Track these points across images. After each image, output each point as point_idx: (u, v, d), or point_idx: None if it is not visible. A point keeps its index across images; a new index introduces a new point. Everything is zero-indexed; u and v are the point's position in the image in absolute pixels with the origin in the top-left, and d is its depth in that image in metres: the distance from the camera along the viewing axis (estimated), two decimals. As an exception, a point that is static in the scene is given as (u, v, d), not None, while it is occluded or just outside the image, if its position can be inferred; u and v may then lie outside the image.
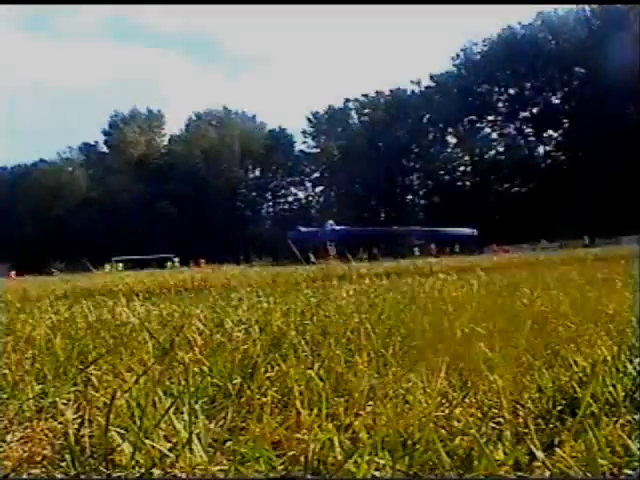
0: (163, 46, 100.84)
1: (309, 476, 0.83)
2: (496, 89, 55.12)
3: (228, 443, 0.94)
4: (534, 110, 53.82)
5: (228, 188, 61.16)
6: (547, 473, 0.82)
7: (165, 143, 69.40)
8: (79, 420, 1.04)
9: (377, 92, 59.84)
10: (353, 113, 62.48)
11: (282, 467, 0.86)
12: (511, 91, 54.74)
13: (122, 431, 0.95)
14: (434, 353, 1.41)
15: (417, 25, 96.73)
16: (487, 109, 54.83)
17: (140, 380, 1.17)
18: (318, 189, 64.00)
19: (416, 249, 21.40)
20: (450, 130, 56.81)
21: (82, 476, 0.86)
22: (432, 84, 58.07)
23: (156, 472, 0.85)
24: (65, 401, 1.20)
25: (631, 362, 1.23)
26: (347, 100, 61.93)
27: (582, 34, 49.77)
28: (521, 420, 1.01)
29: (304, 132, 63.57)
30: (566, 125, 51.85)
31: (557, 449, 0.86)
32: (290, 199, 65.41)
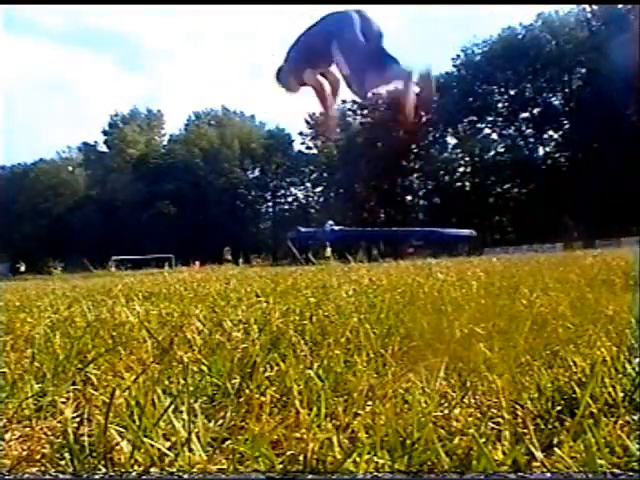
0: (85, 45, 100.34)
1: (309, 475, 0.83)
2: (496, 90, 55.10)
3: (227, 442, 0.94)
4: (534, 111, 53.82)
5: (228, 188, 61.16)
6: (546, 473, 0.82)
7: (165, 143, 69.44)
8: (78, 419, 1.05)
9: (374, 93, 59.80)
10: (352, 114, 62.43)
11: (281, 466, 0.86)
12: (511, 92, 54.73)
13: (121, 430, 0.95)
14: (433, 353, 1.41)
15: (417, 25, 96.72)
16: (487, 110, 54.81)
17: (139, 379, 1.18)
18: (317, 189, 64.02)
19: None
20: (450, 131, 56.81)
21: (81, 474, 0.86)
22: (432, 85, 58.04)
23: (155, 471, 0.85)
24: (64, 400, 1.20)
25: (630, 363, 1.24)
26: (344, 101, 61.85)
27: (582, 35, 49.80)
28: (520, 420, 1.01)
29: (301, 133, 63.50)
30: (566, 126, 51.86)
31: (556, 449, 0.86)
32: (290, 199, 65.44)
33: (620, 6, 45.36)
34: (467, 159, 56.16)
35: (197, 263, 19.35)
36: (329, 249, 8.11)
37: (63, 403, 1.16)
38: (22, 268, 28.06)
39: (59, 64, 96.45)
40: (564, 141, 51.74)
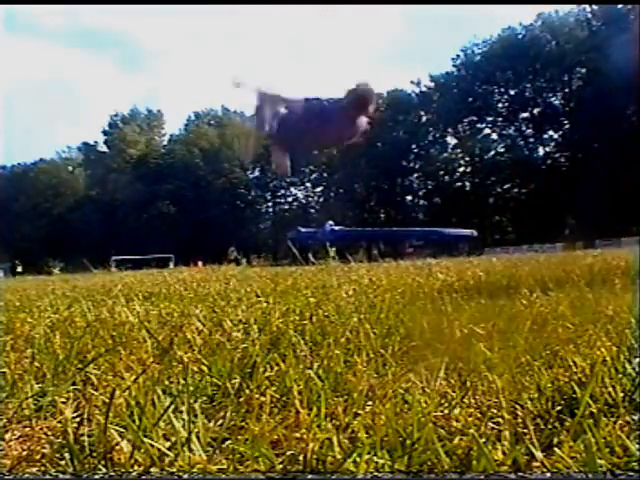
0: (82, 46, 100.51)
1: (309, 475, 0.83)
2: (496, 90, 55.06)
3: (227, 442, 0.94)
4: (534, 111, 53.79)
5: (228, 188, 61.14)
6: (546, 473, 0.82)
7: (165, 143, 69.41)
8: (78, 419, 1.05)
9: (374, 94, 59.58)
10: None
11: (281, 466, 0.86)
12: (511, 92, 54.69)
13: (121, 430, 0.95)
14: (433, 353, 1.41)
15: (417, 25, 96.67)
16: (487, 110, 54.77)
17: (139, 379, 1.18)
18: (317, 189, 63.92)
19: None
20: (450, 131, 56.74)
21: (81, 474, 0.86)
22: (432, 84, 58.04)
23: (155, 471, 0.85)
24: (64, 400, 1.20)
25: (630, 363, 1.24)
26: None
27: (582, 34, 49.77)
28: (520, 420, 1.01)
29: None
30: (566, 126, 51.83)
31: (556, 449, 0.86)
32: (290, 199, 65.34)
33: (620, 6, 45.35)
34: (467, 159, 56.08)
35: (199, 263, 19.35)
36: (333, 249, 8.10)
37: (63, 403, 1.16)
38: (19, 268, 27.93)
39: (59, 64, 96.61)
40: (564, 141, 51.69)
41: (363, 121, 4.73)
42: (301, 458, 0.86)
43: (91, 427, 0.99)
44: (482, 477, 0.80)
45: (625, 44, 34.33)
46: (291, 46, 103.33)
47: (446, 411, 1.05)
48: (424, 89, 58.61)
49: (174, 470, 0.85)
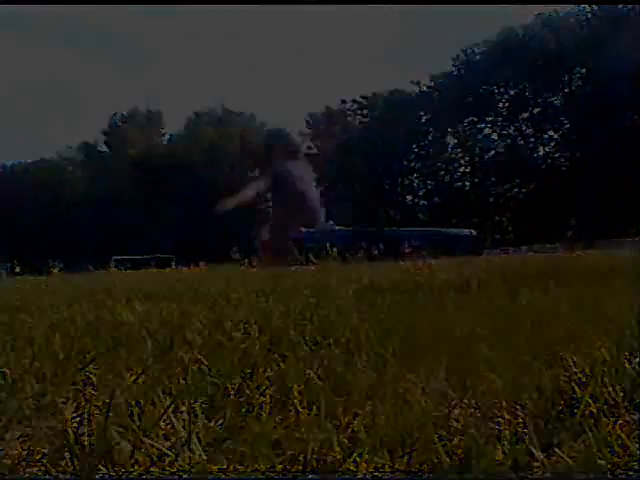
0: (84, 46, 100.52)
1: (309, 475, 0.83)
2: (496, 90, 55.02)
3: (227, 442, 0.94)
4: (534, 111, 53.75)
5: (228, 188, 61.06)
6: (546, 473, 0.82)
7: (165, 143, 69.35)
8: (78, 419, 1.05)
9: (374, 94, 59.52)
10: (352, 114, 62.34)
11: (281, 466, 0.86)
12: (511, 92, 54.66)
13: (121, 430, 0.95)
14: (433, 353, 1.41)
15: (417, 25, 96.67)
16: (487, 110, 54.70)
17: (139, 379, 1.18)
18: (318, 189, 63.86)
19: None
20: (450, 131, 56.68)
21: (81, 474, 0.86)
22: (432, 84, 57.98)
23: (155, 471, 0.85)
24: (64, 400, 1.20)
25: (630, 363, 1.24)
26: (344, 101, 61.72)
27: (582, 34, 49.71)
28: (520, 420, 1.01)
29: (301, 133, 63.32)
30: (566, 126, 51.79)
31: (556, 449, 0.86)
32: (290, 199, 65.24)
33: (620, 6, 45.31)
34: (467, 159, 56.02)
35: (200, 264, 19.37)
36: (335, 249, 8.12)
37: (63, 403, 1.16)
38: (17, 268, 27.74)
39: (59, 64, 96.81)
40: (564, 141, 51.64)
41: (281, 162, 4.83)
42: (301, 458, 0.86)
43: (91, 427, 0.99)
44: (482, 477, 0.80)
45: (625, 44, 34.31)
46: (290, 46, 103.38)
47: (446, 411, 1.05)
48: (424, 89, 58.54)
49: (174, 470, 0.85)
